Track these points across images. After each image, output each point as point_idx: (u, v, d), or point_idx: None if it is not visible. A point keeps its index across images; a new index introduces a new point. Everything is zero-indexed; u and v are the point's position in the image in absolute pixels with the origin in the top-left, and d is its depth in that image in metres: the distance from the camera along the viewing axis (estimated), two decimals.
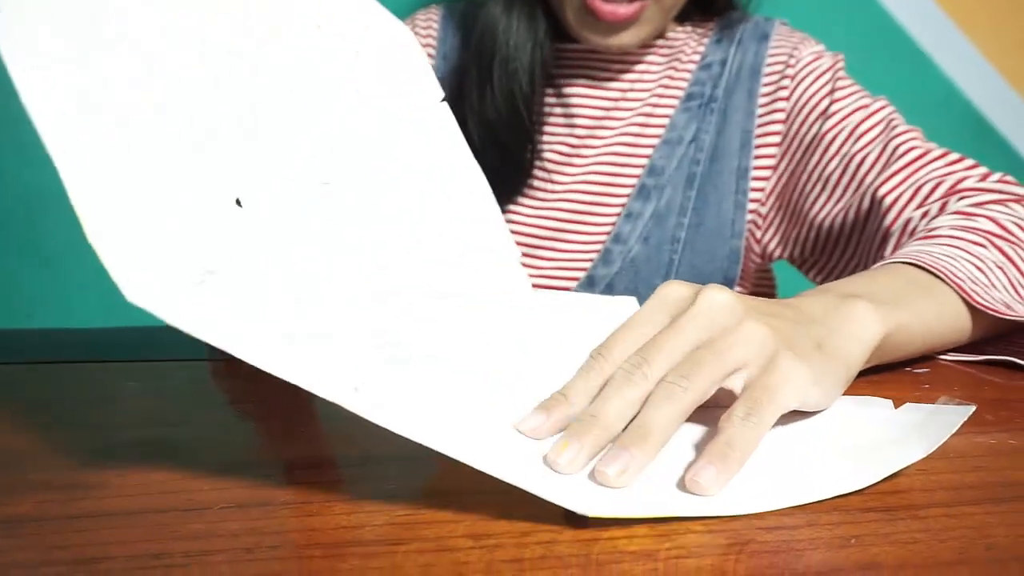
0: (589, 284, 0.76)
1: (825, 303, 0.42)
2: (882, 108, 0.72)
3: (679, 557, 0.29)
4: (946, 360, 0.53)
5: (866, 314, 0.42)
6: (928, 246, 0.54)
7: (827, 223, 0.73)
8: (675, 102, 0.78)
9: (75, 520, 0.31)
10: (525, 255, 0.77)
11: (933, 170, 0.66)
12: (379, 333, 0.38)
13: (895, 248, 0.65)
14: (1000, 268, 0.54)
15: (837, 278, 0.57)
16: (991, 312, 0.50)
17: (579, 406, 0.36)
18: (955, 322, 0.50)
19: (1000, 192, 0.62)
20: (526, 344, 0.43)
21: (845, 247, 0.73)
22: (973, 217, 0.59)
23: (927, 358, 0.52)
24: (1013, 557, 0.29)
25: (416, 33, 0.81)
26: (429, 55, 0.81)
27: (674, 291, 0.40)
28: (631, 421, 0.35)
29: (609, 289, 0.75)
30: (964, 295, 0.49)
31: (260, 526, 0.31)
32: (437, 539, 0.30)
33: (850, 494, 0.33)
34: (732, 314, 0.38)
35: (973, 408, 0.40)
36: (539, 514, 0.31)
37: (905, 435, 0.38)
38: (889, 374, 0.49)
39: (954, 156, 0.67)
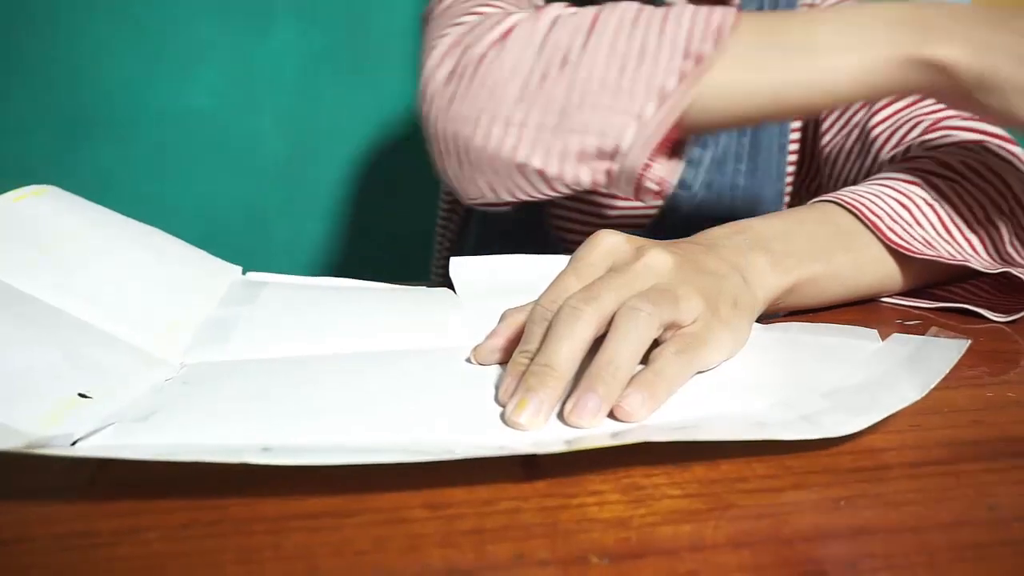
0: (659, 226, 0.75)
1: (737, 250, 0.44)
2: None
3: (654, 524, 0.27)
4: (896, 303, 0.52)
5: (765, 269, 0.44)
6: (862, 187, 0.54)
7: (824, 154, 0.74)
8: None
9: None
10: (595, 203, 0.75)
11: (918, 110, 0.65)
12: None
13: None
14: (931, 205, 0.53)
15: None
16: (904, 251, 0.49)
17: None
18: (876, 267, 0.51)
19: (972, 131, 0.61)
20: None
21: (844, 181, 0.72)
22: (918, 159, 0.58)
23: (917, 312, 0.50)
24: (1017, 518, 0.27)
25: None
26: None
27: (612, 242, 0.41)
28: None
29: (677, 234, 0.73)
30: (878, 233, 0.49)
31: (197, 501, 0.28)
32: (391, 510, 0.27)
33: (839, 451, 0.31)
34: (672, 275, 0.39)
35: (967, 343, 0.37)
36: (502, 481, 0.29)
37: (894, 374, 0.35)
38: (879, 328, 0.46)
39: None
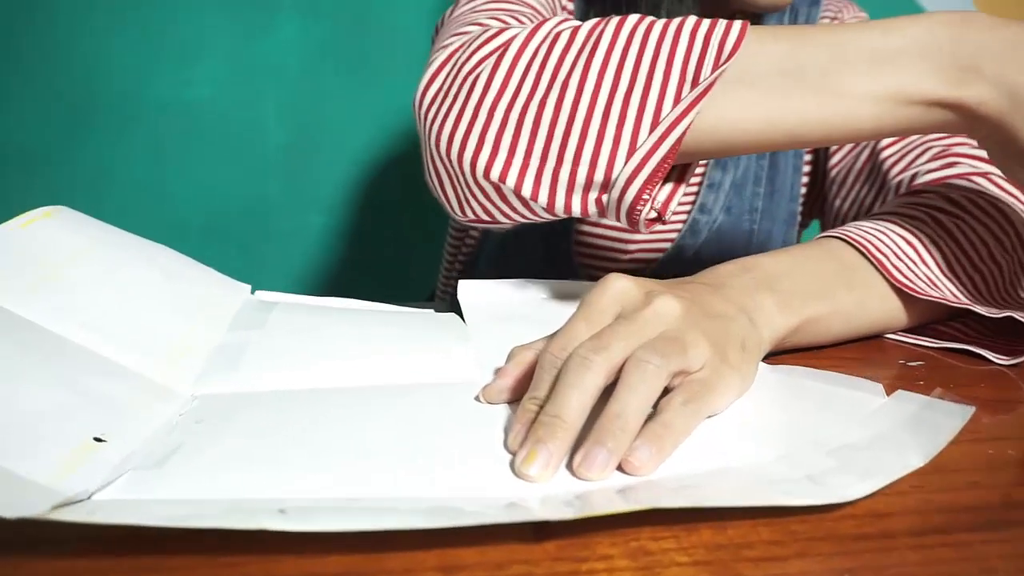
0: (678, 254, 0.74)
1: (744, 290, 0.45)
2: None
3: None
4: (899, 340, 0.53)
5: (772, 310, 0.45)
6: (868, 222, 0.54)
7: (832, 175, 0.75)
8: None
9: None
10: (617, 228, 0.74)
11: (927, 136, 0.66)
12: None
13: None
14: (936, 243, 0.53)
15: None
16: (909, 291, 0.49)
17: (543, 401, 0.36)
18: (881, 305, 0.51)
19: (980, 159, 0.62)
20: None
21: (852, 202, 0.73)
22: (923, 194, 0.58)
23: (920, 351, 0.51)
24: None
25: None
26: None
27: (620, 286, 0.41)
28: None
29: (697, 259, 0.73)
30: (883, 271, 0.50)
31: (216, 558, 0.28)
32: (404, 571, 0.28)
33: (842, 515, 0.31)
34: (680, 322, 0.39)
35: (972, 410, 0.38)
36: (513, 543, 0.29)
37: (898, 435, 0.36)
38: (882, 368, 0.47)
39: None
